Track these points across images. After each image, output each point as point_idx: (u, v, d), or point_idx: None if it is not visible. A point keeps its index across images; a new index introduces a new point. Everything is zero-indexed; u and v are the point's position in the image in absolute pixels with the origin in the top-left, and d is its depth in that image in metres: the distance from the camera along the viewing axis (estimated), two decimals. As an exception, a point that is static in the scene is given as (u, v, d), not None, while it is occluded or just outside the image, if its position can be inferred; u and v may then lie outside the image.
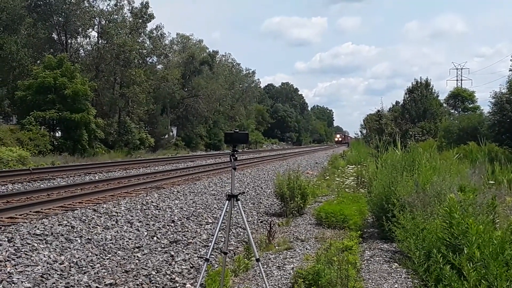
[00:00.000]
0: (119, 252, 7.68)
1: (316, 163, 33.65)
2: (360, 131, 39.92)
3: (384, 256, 7.60)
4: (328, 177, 19.84)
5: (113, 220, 9.77)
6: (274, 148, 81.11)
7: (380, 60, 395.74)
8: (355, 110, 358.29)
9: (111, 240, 8.29)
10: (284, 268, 7.04)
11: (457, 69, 71.54)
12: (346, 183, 15.65)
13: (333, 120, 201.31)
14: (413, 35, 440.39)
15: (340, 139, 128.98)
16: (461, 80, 69.45)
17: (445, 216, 5.15)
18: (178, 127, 59.51)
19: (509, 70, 42.50)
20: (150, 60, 51.86)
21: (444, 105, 51.89)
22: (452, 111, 52.87)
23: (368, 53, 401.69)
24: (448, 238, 4.98)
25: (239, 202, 5.18)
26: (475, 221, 4.87)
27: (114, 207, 11.17)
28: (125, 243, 8.21)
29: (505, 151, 22.63)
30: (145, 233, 9.01)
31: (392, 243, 8.20)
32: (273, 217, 11.56)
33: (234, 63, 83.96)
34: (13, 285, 5.85)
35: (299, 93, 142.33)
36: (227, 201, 5.16)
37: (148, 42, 49.83)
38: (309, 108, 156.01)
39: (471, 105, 52.21)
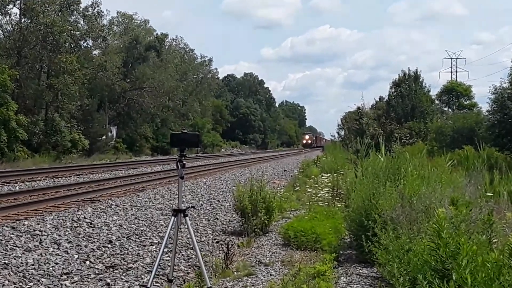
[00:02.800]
0: (42, 279, 7.58)
1: (285, 171, 33.83)
2: (337, 133, 40.35)
3: (363, 283, 7.70)
4: (298, 188, 19.96)
5: (37, 241, 9.66)
6: (234, 153, 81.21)
7: (362, 47, 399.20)
8: (332, 107, 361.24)
9: (33, 265, 8.18)
10: (243, 298, 7.06)
11: (451, 58, 73.20)
12: (319, 195, 15.77)
13: (306, 118, 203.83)
14: (401, 17, 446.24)
15: (309, 141, 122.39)
16: (456, 72, 71.15)
17: (433, 235, 5.23)
18: (119, 126, 59.04)
19: (512, 61, 43.52)
20: (85, 44, 51.26)
21: (436, 101, 52.83)
22: (445, 109, 53.89)
23: (349, 38, 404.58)
24: (434, 262, 5.06)
25: (187, 218, 5.19)
26: (467, 241, 4.97)
27: (38, 224, 11.03)
28: (51, 268, 8.11)
29: (506, 157, 23.11)
30: (76, 256, 8.92)
31: (373, 267, 8.29)
32: (232, 236, 11.59)
33: (187, 49, 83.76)
34: None
35: (265, 86, 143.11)
36: (173, 217, 5.17)
37: (82, 22, 49.24)
38: (277, 105, 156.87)
39: (467, 102, 53.18)
